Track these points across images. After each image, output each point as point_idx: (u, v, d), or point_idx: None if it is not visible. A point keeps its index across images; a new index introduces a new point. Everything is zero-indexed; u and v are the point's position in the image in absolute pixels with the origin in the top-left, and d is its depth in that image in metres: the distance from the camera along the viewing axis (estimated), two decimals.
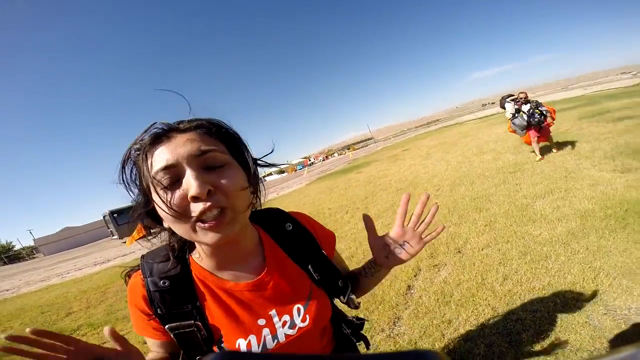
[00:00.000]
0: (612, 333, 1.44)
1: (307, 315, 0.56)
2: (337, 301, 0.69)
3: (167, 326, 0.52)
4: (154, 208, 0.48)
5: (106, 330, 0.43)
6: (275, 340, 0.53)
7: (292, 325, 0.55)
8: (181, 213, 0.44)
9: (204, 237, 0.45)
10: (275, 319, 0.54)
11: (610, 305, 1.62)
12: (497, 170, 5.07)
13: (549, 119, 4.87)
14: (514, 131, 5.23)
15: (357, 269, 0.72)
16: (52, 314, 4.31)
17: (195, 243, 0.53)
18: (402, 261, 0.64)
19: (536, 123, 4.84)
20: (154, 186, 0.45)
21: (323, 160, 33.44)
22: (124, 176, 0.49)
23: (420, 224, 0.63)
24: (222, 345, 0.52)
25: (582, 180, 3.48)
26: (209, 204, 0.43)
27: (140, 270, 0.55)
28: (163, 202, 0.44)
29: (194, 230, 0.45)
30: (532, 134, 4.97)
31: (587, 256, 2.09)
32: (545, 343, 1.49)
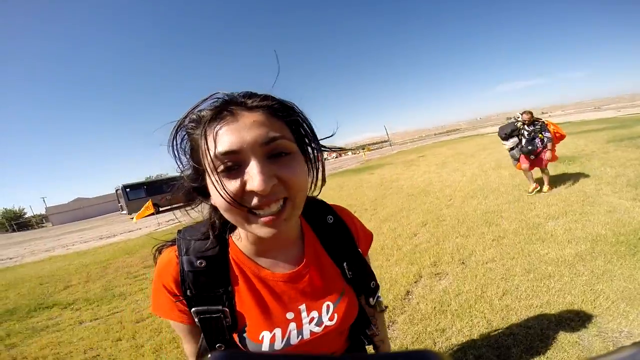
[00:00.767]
0: (598, 354, 1.46)
1: (336, 314, 0.54)
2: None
3: (193, 309, 0.49)
4: (202, 183, 0.46)
5: None
6: (300, 337, 0.51)
7: (319, 323, 0.53)
8: (237, 201, 0.41)
9: (259, 230, 0.43)
10: (304, 314, 0.52)
11: (604, 327, 1.64)
12: (513, 187, 4.98)
13: (547, 153, 4.21)
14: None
15: None
16: (50, 285, 4.35)
17: None
18: None
19: (527, 152, 4.30)
20: (210, 168, 0.42)
21: (336, 157, 33.30)
22: (175, 144, 0.45)
23: None
24: (244, 335, 0.50)
25: (599, 206, 3.40)
26: (270, 198, 0.41)
27: (174, 246, 0.52)
28: (221, 187, 0.41)
29: (248, 222, 0.43)
30: (522, 160, 4.44)
31: (591, 279, 2.09)
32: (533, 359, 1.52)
